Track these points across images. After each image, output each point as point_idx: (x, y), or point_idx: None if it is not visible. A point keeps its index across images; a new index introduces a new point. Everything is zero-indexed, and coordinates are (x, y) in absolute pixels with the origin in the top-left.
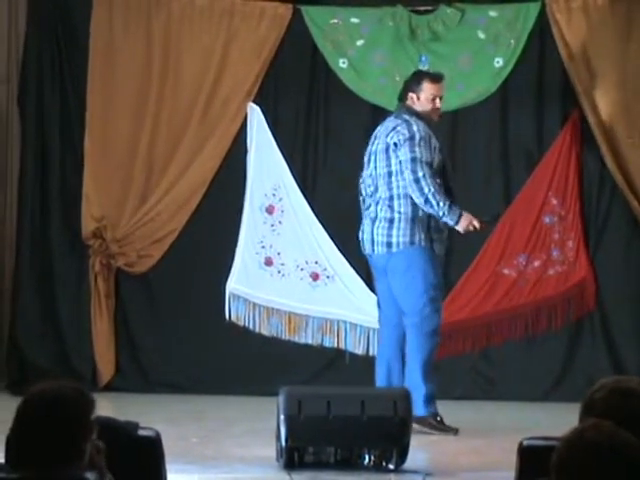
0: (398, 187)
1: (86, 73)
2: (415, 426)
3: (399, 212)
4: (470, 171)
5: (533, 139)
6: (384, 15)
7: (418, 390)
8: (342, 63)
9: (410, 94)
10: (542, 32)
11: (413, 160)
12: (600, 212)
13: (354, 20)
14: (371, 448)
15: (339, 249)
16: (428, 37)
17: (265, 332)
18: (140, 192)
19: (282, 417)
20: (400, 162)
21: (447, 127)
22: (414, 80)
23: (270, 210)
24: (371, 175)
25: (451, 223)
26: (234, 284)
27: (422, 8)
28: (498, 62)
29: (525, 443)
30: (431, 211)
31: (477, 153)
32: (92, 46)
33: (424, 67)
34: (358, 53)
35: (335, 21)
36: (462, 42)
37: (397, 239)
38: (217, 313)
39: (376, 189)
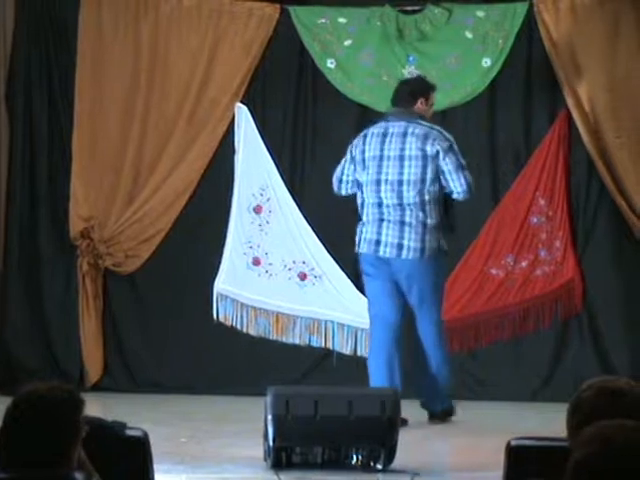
0: (430, 193)
1: (74, 73)
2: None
3: (431, 218)
4: None
5: (521, 139)
6: (372, 15)
7: (447, 383)
8: (330, 63)
9: (421, 99)
10: (530, 32)
11: (462, 167)
12: (588, 212)
13: (342, 20)
14: (359, 448)
15: (327, 249)
16: (416, 37)
17: (253, 332)
18: (128, 192)
19: (270, 417)
20: (443, 171)
21: None
22: (424, 87)
23: (258, 210)
24: (387, 180)
25: None
26: (222, 284)
27: (410, 8)
28: (486, 62)
29: (513, 443)
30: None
31: (465, 153)
32: (80, 46)
33: (412, 67)
34: (346, 53)
35: (323, 21)
36: (450, 42)
37: (430, 244)
38: (205, 313)
39: (399, 194)
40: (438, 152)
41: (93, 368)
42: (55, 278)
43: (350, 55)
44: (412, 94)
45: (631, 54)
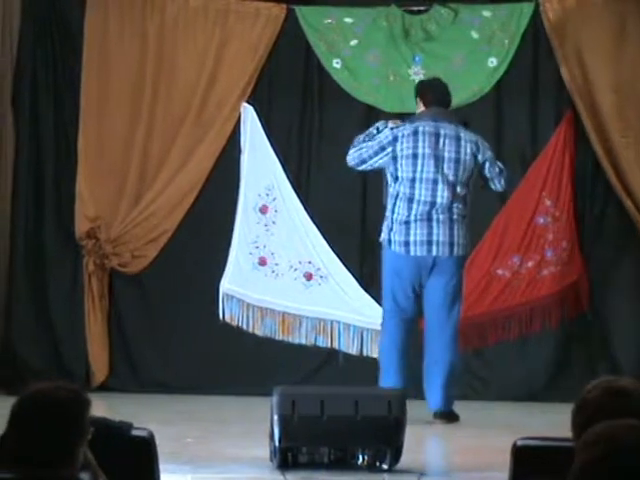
0: (469, 193)
1: (80, 73)
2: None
3: (467, 217)
4: None
5: (527, 139)
6: (378, 15)
7: (456, 385)
8: (336, 63)
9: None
10: (536, 32)
11: (493, 157)
12: (594, 212)
13: (348, 20)
14: (365, 448)
15: (333, 249)
16: (422, 37)
17: (259, 332)
18: (134, 192)
19: (276, 417)
20: (484, 172)
21: None
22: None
23: (264, 210)
24: (447, 179)
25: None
26: (228, 284)
27: (416, 8)
28: (492, 62)
29: (519, 443)
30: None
31: None
32: (86, 46)
33: (418, 67)
34: (352, 53)
35: (329, 21)
36: (456, 42)
37: (468, 240)
38: (211, 313)
39: (451, 191)
40: (489, 159)
41: (99, 368)
42: (61, 278)
43: (356, 55)
44: (445, 97)
45: (637, 54)
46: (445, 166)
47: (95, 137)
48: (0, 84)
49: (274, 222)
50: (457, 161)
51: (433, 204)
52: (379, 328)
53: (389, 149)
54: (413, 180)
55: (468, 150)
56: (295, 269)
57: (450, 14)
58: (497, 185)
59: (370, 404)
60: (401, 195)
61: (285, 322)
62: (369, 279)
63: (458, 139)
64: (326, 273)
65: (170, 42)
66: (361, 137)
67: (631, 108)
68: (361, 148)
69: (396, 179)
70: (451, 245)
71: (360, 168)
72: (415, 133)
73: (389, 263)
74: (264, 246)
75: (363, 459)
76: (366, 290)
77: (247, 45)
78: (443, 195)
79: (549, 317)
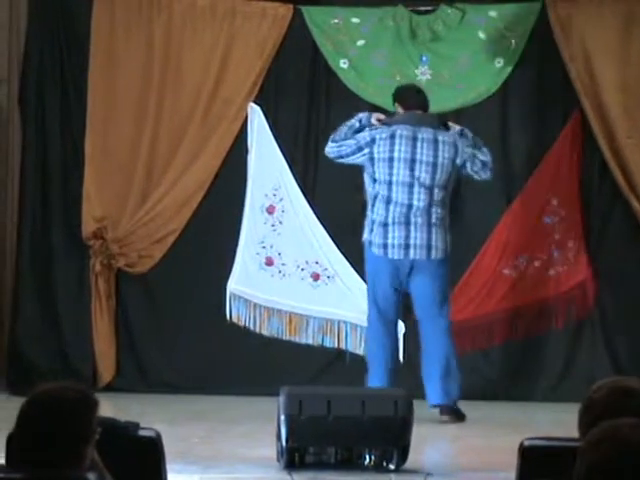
0: (447, 196)
1: (87, 73)
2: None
3: (446, 219)
4: None
5: (534, 139)
6: (384, 15)
7: (455, 380)
8: (343, 63)
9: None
10: (543, 32)
11: (474, 151)
12: (601, 213)
13: (355, 20)
14: (372, 448)
15: (339, 249)
16: (429, 37)
17: (266, 332)
18: (141, 192)
19: (283, 417)
20: (466, 169)
21: None
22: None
23: (271, 210)
24: (423, 182)
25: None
26: (235, 284)
27: (422, 8)
28: (499, 62)
29: (526, 443)
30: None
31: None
32: (93, 46)
33: (424, 67)
34: (359, 53)
35: (336, 21)
36: (463, 42)
37: (449, 242)
38: (218, 313)
39: (428, 195)
40: (467, 157)
41: (106, 368)
42: (68, 278)
43: (363, 55)
44: (427, 102)
45: None
46: (423, 170)
47: (102, 137)
48: (7, 85)
49: (281, 222)
50: (434, 165)
51: (410, 207)
52: None
53: (366, 150)
54: (390, 183)
55: (446, 154)
56: (302, 269)
57: (457, 14)
58: (482, 176)
59: (377, 404)
60: (380, 197)
61: (292, 322)
62: None
63: (436, 142)
64: (333, 273)
65: (177, 42)
66: (344, 128)
67: (638, 108)
68: (341, 145)
69: (374, 180)
70: (428, 248)
71: (338, 161)
72: (392, 137)
73: (370, 264)
74: (271, 246)
75: (370, 459)
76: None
77: (254, 45)
78: (419, 198)
79: (555, 317)
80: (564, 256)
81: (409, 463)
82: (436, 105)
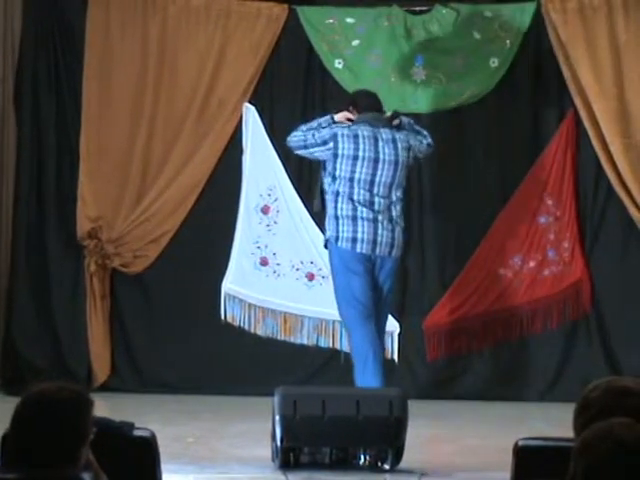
0: (403, 194)
1: (82, 73)
2: None
3: (402, 218)
4: (466, 171)
5: (528, 139)
6: (379, 15)
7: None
8: (338, 63)
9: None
10: (537, 32)
11: (416, 136)
12: (595, 212)
13: (349, 20)
14: (366, 448)
15: None
16: (424, 37)
17: (260, 332)
18: (136, 192)
19: (277, 417)
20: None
21: (443, 127)
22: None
23: (265, 210)
24: (385, 181)
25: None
26: (229, 284)
27: (417, 8)
28: (494, 62)
29: (521, 443)
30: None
31: (473, 153)
32: (88, 46)
33: (419, 67)
34: (354, 53)
35: (330, 21)
36: (457, 42)
37: (403, 243)
38: (212, 313)
39: (388, 193)
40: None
41: (100, 368)
42: (63, 278)
43: (358, 55)
44: (379, 103)
45: (639, 55)
46: (385, 168)
47: (97, 137)
48: (2, 85)
49: (276, 222)
50: (395, 163)
51: (372, 203)
52: None
53: (331, 144)
54: (352, 180)
55: (404, 153)
56: (297, 269)
57: (452, 14)
58: (426, 154)
59: (372, 404)
60: (342, 194)
61: (287, 322)
62: None
63: (395, 142)
64: (328, 273)
65: (171, 42)
66: (304, 127)
67: (633, 109)
68: (307, 133)
69: (334, 178)
70: (391, 246)
71: (299, 152)
72: (356, 136)
73: (337, 260)
74: (266, 246)
75: (365, 459)
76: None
77: (248, 45)
78: (380, 196)
79: (550, 317)
80: (559, 256)
81: (404, 463)
82: (431, 105)
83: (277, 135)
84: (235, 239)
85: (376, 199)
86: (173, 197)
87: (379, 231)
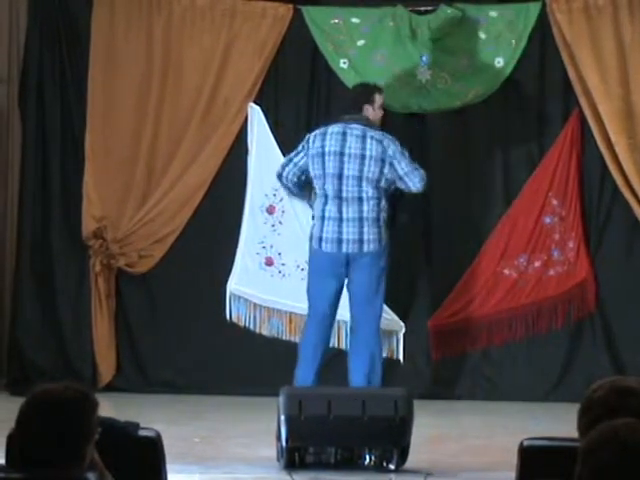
0: (384, 190)
1: (87, 73)
2: None
3: (384, 212)
4: (471, 171)
5: (534, 139)
6: (384, 15)
7: (378, 378)
8: (343, 63)
9: (366, 106)
10: (543, 32)
11: (415, 165)
12: (601, 213)
13: (354, 20)
14: (372, 448)
15: None
16: (428, 37)
17: (266, 332)
18: (141, 192)
19: (283, 417)
20: (400, 174)
21: (448, 127)
22: (367, 93)
23: (271, 210)
24: (348, 176)
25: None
26: (235, 284)
27: (422, 8)
28: (499, 62)
29: (526, 443)
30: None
31: (478, 153)
32: (93, 46)
33: (424, 67)
34: (359, 53)
35: (336, 21)
36: (463, 42)
37: (384, 236)
38: (218, 313)
39: (357, 187)
40: (392, 154)
41: (106, 368)
42: (68, 278)
43: (363, 55)
44: (356, 102)
45: None
46: (351, 162)
47: (102, 137)
48: (7, 84)
49: (281, 222)
50: (362, 157)
51: (340, 199)
52: (386, 329)
53: (306, 145)
54: (323, 177)
55: (374, 148)
56: (302, 269)
57: (457, 14)
58: (410, 183)
59: (377, 404)
60: (317, 192)
61: (292, 322)
62: None
63: (364, 137)
64: None
65: (177, 42)
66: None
67: (638, 109)
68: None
69: (314, 177)
70: (360, 242)
71: (287, 169)
72: (324, 133)
73: (309, 259)
74: (271, 246)
75: (370, 459)
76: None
77: (254, 45)
78: (349, 190)
79: (555, 317)
80: (564, 256)
81: (409, 463)
82: (436, 105)
83: (282, 135)
84: (240, 239)
85: (344, 194)
86: (178, 197)
87: (344, 229)
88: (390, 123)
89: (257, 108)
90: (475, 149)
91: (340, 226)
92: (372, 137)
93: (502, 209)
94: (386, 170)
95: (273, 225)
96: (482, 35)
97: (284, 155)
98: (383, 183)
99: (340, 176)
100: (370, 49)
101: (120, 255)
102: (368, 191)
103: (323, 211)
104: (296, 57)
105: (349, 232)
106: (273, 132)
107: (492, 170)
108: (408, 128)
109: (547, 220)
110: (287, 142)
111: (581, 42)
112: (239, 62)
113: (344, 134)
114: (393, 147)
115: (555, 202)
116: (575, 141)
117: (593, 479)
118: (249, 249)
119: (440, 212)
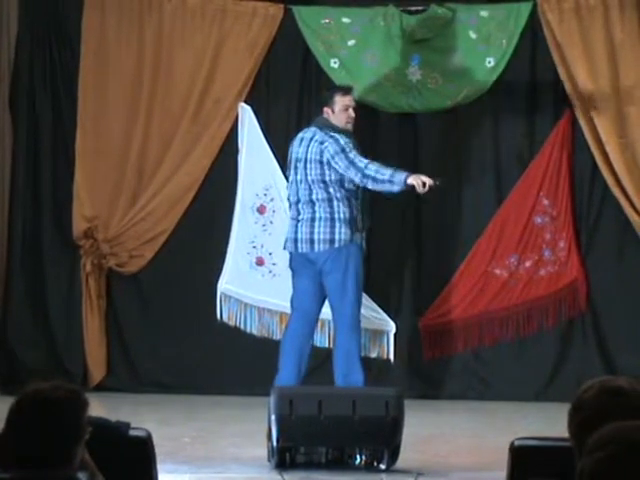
0: (334, 191)
1: (78, 74)
2: None
3: (338, 212)
4: (462, 171)
5: (525, 139)
6: (375, 15)
7: (357, 376)
8: (333, 63)
9: (325, 109)
10: (534, 32)
11: (340, 152)
12: (591, 212)
13: (345, 20)
14: (362, 448)
15: None
16: (419, 37)
17: (256, 332)
18: (131, 192)
19: (273, 417)
20: (336, 169)
21: (439, 127)
22: (327, 96)
23: (261, 210)
24: (300, 180)
25: (398, 187)
26: (225, 284)
27: (413, 8)
28: (490, 62)
29: (516, 443)
30: (375, 185)
31: (469, 153)
32: (84, 47)
33: (415, 67)
34: (349, 53)
35: (326, 21)
36: (453, 42)
37: (339, 236)
38: (208, 313)
39: (308, 190)
40: (330, 157)
41: (96, 368)
42: (59, 278)
43: (354, 55)
44: (319, 106)
45: (635, 54)
46: (300, 167)
47: (93, 137)
48: None
49: (272, 222)
50: (305, 160)
51: (297, 202)
52: (377, 328)
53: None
54: (289, 183)
55: (314, 150)
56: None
57: (447, 14)
58: (356, 179)
59: (368, 404)
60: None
61: (283, 322)
62: (366, 280)
63: (310, 140)
64: None
65: (167, 42)
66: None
67: (628, 109)
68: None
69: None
70: (311, 242)
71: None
72: (294, 139)
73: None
74: (261, 246)
75: (361, 459)
76: (363, 291)
77: (244, 45)
78: (302, 194)
79: (546, 317)
80: (555, 256)
81: (400, 463)
82: (427, 105)
83: (273, 135)
84: (231, 239)
85: (300, 197)
86: (169, 197)
87: (298, 229)
88: (381, 123)
89: (248, 108)
90: (466, 149)
91: (296, 226)
92: (315, 140)
93: (493, 209)
94: (327, 171)
95: (264, 225)
96: (473, 35)
97: (275, 155)
98: (331, 184)
99: (294, 181)
100: (361, 49)
101: (111, 255)
102: (318, 193)
103: (291, 214)
104: (287, 57)
105: (302, 232)
106: (264, 132)
107: (483, 170)
108: (399, 128)
109: (538, 220)
110: (278, 142)
111: (572, 42)
112: (230, 62)
113: (301, 140)
114: (333, 147)
115: (546, 202)
116: (566, 141)
117: (595, 472)
118: (240, 249)
119: (431, 212)
